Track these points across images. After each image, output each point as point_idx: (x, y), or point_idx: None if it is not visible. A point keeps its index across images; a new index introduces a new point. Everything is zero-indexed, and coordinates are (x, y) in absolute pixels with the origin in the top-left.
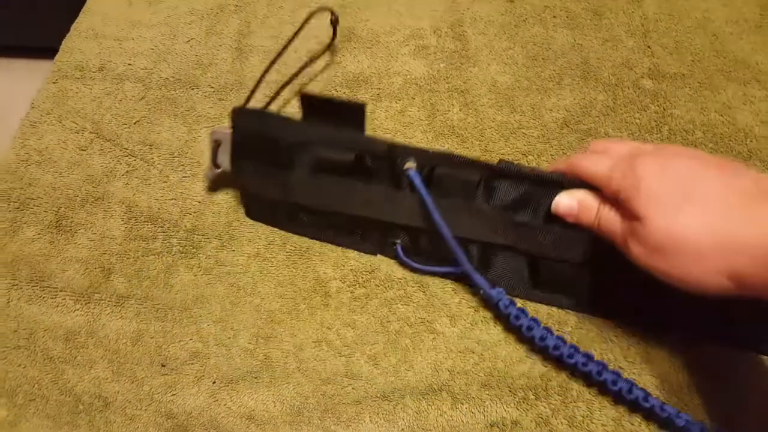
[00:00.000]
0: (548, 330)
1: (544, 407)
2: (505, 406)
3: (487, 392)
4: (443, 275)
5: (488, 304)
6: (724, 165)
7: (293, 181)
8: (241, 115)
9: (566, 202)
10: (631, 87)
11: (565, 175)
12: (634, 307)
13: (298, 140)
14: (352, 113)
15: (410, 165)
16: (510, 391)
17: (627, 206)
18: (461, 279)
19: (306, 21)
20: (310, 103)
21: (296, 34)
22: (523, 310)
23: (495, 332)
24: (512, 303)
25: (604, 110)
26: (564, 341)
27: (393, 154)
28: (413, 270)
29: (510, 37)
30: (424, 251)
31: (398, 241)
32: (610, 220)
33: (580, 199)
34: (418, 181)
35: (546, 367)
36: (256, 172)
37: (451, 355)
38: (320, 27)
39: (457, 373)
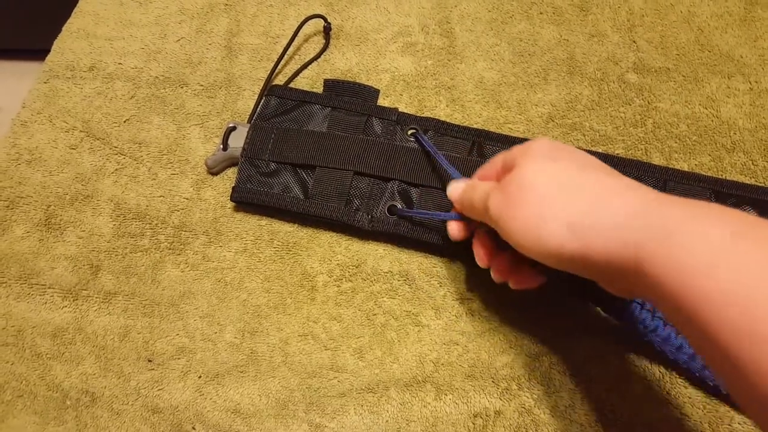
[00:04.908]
0: None
1: (527, 397)
2: (488, 397)
3: (470, 383)
4: (434, 217)
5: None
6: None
7: (311, 136)
8: (273, 88)
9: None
10: (616, 81)
11: None
12: None
13: (321, 103)
14: (367, 94)
15: (413, 130)
16: (493, 381)
17: (509, 165)
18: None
19: (299, 29)
20: (333, 85)
21: (290, 42)
22: None
23: (479, 323)
24: None
25: (589, 104)
26: None
27: (400, 119)
28: (413, 217)
29: (497, 34)
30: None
31: (395, 203)
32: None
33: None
34: (423, 137)
35: (529, 357)
36: (277, 131)
37: (435, 347)
38: (308, 24)
39: (442, 364)
